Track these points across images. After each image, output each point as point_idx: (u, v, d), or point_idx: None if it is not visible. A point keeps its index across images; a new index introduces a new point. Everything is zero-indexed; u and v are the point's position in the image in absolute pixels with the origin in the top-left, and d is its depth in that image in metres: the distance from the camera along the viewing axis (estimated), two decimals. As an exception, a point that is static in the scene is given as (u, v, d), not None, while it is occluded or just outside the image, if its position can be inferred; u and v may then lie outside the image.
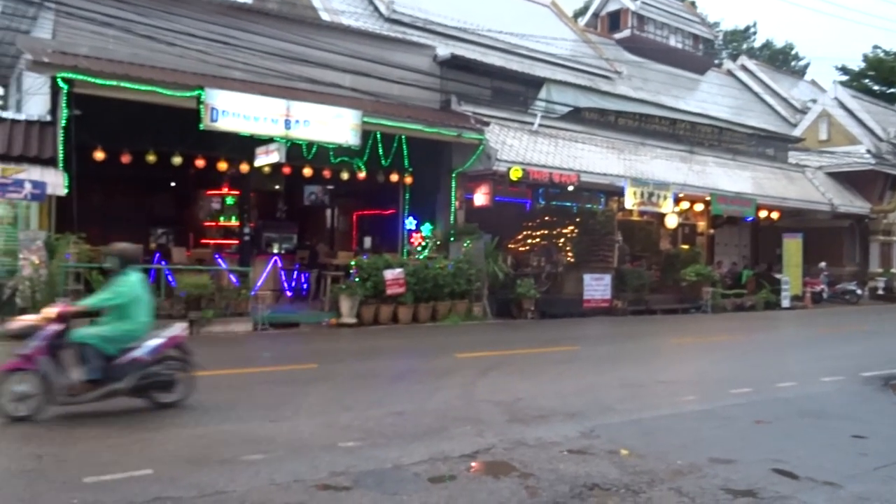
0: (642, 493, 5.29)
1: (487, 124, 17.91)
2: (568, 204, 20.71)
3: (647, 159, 21.86)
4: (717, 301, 21.67)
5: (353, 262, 15.92)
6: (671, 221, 21.79)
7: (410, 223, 18.14)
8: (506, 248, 19.57)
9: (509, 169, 17.27)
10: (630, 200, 19.50)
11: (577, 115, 21.12)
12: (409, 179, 17.85)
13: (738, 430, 7.39)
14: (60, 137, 13.24)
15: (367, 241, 19.67)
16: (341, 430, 6.75)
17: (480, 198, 18.34)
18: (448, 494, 5.15)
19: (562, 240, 21.34)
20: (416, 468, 5.69)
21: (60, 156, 13.25)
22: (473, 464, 5.90)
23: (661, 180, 20.45)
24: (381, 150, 17.02)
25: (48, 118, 14.01)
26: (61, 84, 12.69)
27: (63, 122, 13.13)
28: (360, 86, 16.53)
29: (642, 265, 21.82)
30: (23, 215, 13.82)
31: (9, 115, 14.75)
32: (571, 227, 21.26)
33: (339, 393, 8.72)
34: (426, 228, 17.98)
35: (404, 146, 17.36)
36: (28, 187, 12.38)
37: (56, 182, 12.80)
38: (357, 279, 15.23)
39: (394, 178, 17.59)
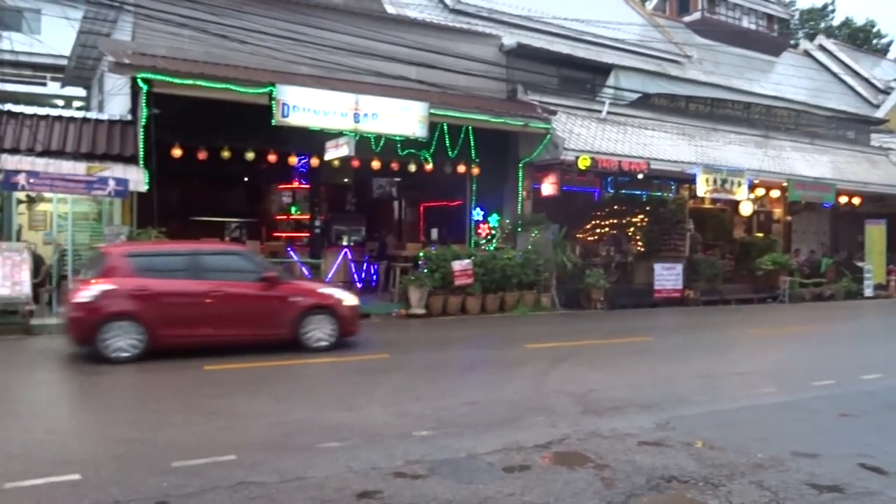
0: (722, 487, 5.18)
1: (554, 113, 17.73)
2: (637, 192, 20.33)
3: (720, 145, 21.26)
4: (795, 290, 20.95)
5: (421, 254, 16.05)
6: (746, 209, 21.16)
7: (478, 214, 18.14)
8: (574, 237, 19.36)
9: (577, 158, 17.08)
10: (702, 188, 19.02)
11: (646, 102, 20.69)
12: (475, 170, 17.85)
13: (822, 424, 7.15)
14: (141, 136, 13.74)
15: (434, 233, 19.77)
16: (415, 420, 6.83)
17: (548, 187, 18.19)
18: (523, 484, 5.15)
19: (631, 229, 20.99)
20: (490, 458, 5.72)
21: (141, 153, 13.76)
22: (547, 454, 5.89)
23: (735, 166, 19.87)
24: (447, 142, 17.07)
25: (129, 117, 14.56)
26: (141, 84, 13.17)
27: (143, 121, 13.63)
28: (427, 78, 16.59)
29: (715, 254, 21.26)
30: (106, 211, 14.42)
31: (92, 115, 15.41)
32: (641, 216, 20.89)
33: (411, 383, 8.82)
34: (493, 219, 17.96)
35: (471, 137, 17.36)
36: (112, 184, 12.91)
37: (137, 179, 13.31)
38: (425, 270, 15.34)
39: (461, 169, 17.62)
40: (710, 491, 5.11)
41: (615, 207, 21.05)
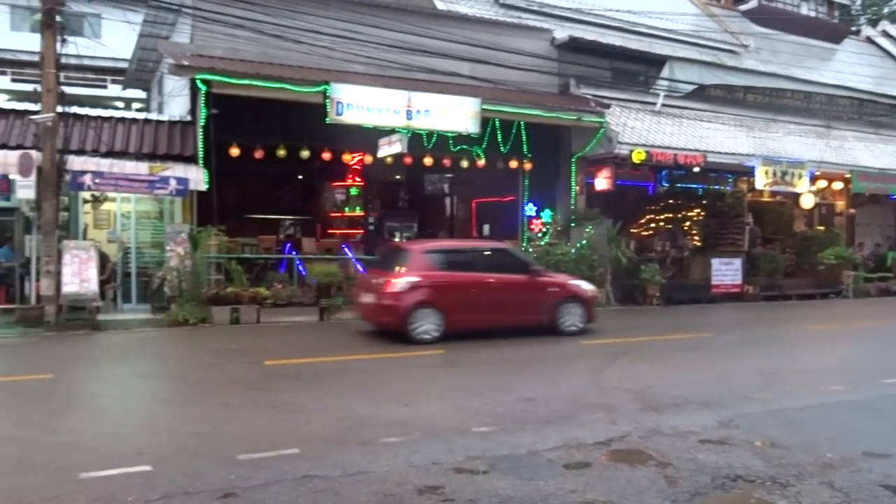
0: (790, 487, 5.06)
1: (608, 106, 17.52)
2: (693, 186, 19.97)
3: (780, 136, 20.71)
4: (860, 285, 20.29)
5: (474, 249, 16.02)
6: (807, 201, 20.56)
7: (530, 209, 18.04)
8: (628, 232, 19.13)
9: (631, 151, 16.85)
10: (761, 180, 18.56)
11: (701, 93, 20.27)
12: (528, 165, 17.77)
13: (894, 423, 6.91)
14: (200, 136, 14.07)
15: (486, 229, 19.75)
16: (473, 415, 6.84)
17: (602, 182, 17.99)
18: (584, 481, 5.11)
19: (687, 223, 20.61)
20: (551, 454, 5.69)
21: (200, 153, 14.08)
22: (608, 451, 5.83)
23: (796, 158, 19.33)
24: (499, 137, 17.03)
25: (188, 118, 14.91)
26: (200, 85, 13.48)
27: (202, 121, 13.95)
28: (479, 73, 16.56)
29: (775, 248, 20.72)
30: (167, 210, 14.81)
31: (153, 116, 15.84)
32: (697, 210, 20.50)
33: (468, 378, 8.84)
34: (546, 214, 17.84)
35: (523, 132, 17.28)
36: (173, 183, 13.26)
37: (197, 178, 13.63)
38: (479, 266, 15.31)
39: (513, 164, 17.57)
40: (779, 491, 4.99)
41: (670, 201, 20.70)
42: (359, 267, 15.62)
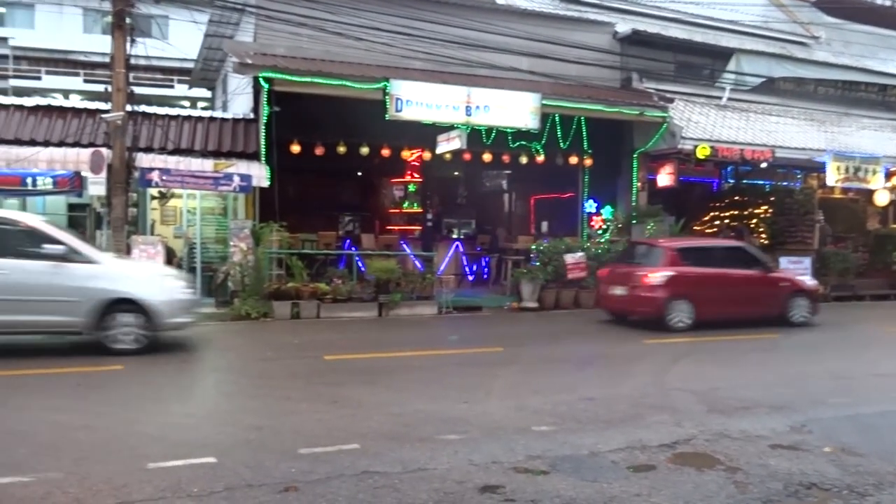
0: (869, 497, 4.82)
1: (671, 101, 17.13)
2: (760, 182, 19.37)
3: (852, 130, 19.89)
4: (939, 286, 19.34)
5: (533, 247, 15.91)
6: (882, 198, 19.68)
7: (590, 206, 17.79)
8: (692, 230, 18.64)
9: (696, 147, 16.42)
10: (832, 176, 17.86)
11: (769, 86, 19.61)
12: (588, 161, 17.52)
13: (980, 432, 6.54)
14: (262, 133, 14.30)
15: (545, 225, 19.56)
16: (533, 414, 6.75)
17: (664, 178, 17.60)
18: (650, 485, 4.97)
19: (754, 221, 19.95)
20: (614, 456, 5.56)
21: (262, 150, 14.31)
22: (673, 454, 5.66)
23: (870, 153, 18.53)
24: (559, 133, 16.83)
25: (251, 116, 15.17)
26: (263, 83, 13.70)
27: (264, 119, 14.17)
28: (539, 68, 16.38)
29: (847, 247, 19.90)
30: (231, 206, 15.11)
31: (218, 114, 16.18)
32: (765, 207, 19.81)
33: (527, 376, 8.74)
34: (607, 211, 17.56)
35: (583, 127, 17.03)
36: (236, 180, 13.52)
37: (260, 174, 13.86)
38: (538, 263, 15.19)
39: (573, 160, 17.35)
40: (856, 500, 4.76)
41: (736, 198, 20.07)
42: (417, 263, 15.65)
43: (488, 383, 8.16)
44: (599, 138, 17.21)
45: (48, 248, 9.15)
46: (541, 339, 11.85)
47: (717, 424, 6.45)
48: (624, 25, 18.37)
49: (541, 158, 16.99)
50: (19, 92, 28.16)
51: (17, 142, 13.38)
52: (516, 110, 14.84)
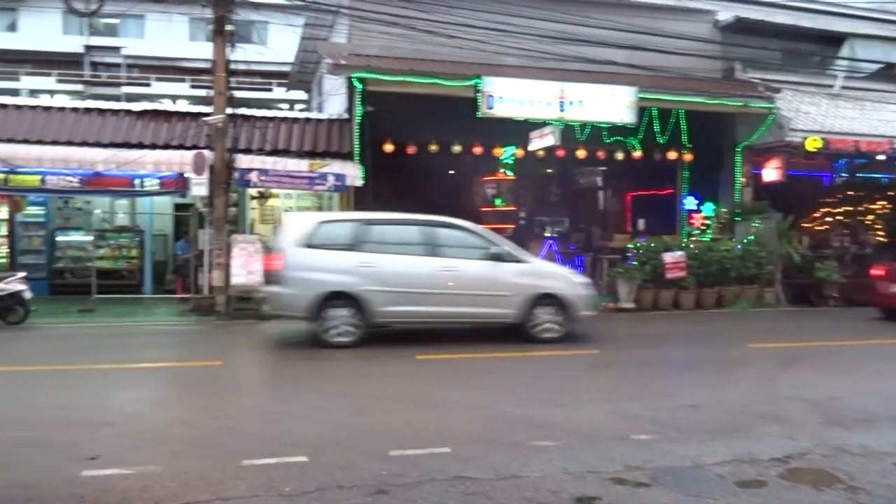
0: None
1: (778, 91, 16.24)
2: (877, 176, 18.07)
3: (982, 119, 18.27)
4: None
5: (630, 245, 15.41)
6: None
7: (690, 203, 17.09)
8: (801, 227, 17.63)
9: (805, 139, 15.50)
10: (959, 168, 16.49)
11: (888, 73, 18.31)
12: (688, 156, 16.85)
13: None
14: (356, 133, 14.45)
15: (641, 223, 18.93)
16: (631, 421, 6.44)
17: (770, 173, 16.69)
18: (760, 502, 4.62)
19: (870, 217, 18.72)
20: (720, 469, 5.21)
21: (356, 149, 14.46)
22: (786, 469, 5.25)
23: None
24: (657, 127, 16.26)
25: (345, 116, 15.37)
26: (356, 83, 13.84)
27: (358, 119, 14.31)
28: (636, 60, 15.84)
29: (974, 244, 18.36)
30: (326, 205, 15.36)
31: (313, 115, 16.49)
32: (882, 202, 18.56)
33: (624, 380, 8.41)
34: (708, 208, 16.82)
35: (683, 121, 16.39)
36: (331, 180, 13.72)
37: (354, 174, 14.03)
38: (635, 262, 14.70)
39: (671, 155, 16.73)
40: None
41: (849, 193, 18.88)
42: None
43: (584, 387, 7.90)
44: (700, 132, 16.51)
45: (489, 249, 10.34)
46: (638, 341, 11.40)
47: (835, 438, 5.97)
48: (726, 13, 17.55)
49: (637, 154, 16.46)
50: (131, 98, 29.72)
51: (127, 145, 14.03)
52: (612, 105, 14.43)
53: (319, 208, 15.68)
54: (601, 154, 16.66)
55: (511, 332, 10.47)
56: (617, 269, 14.80)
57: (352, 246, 9.99)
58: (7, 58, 39.18)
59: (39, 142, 13.70)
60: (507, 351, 10.00)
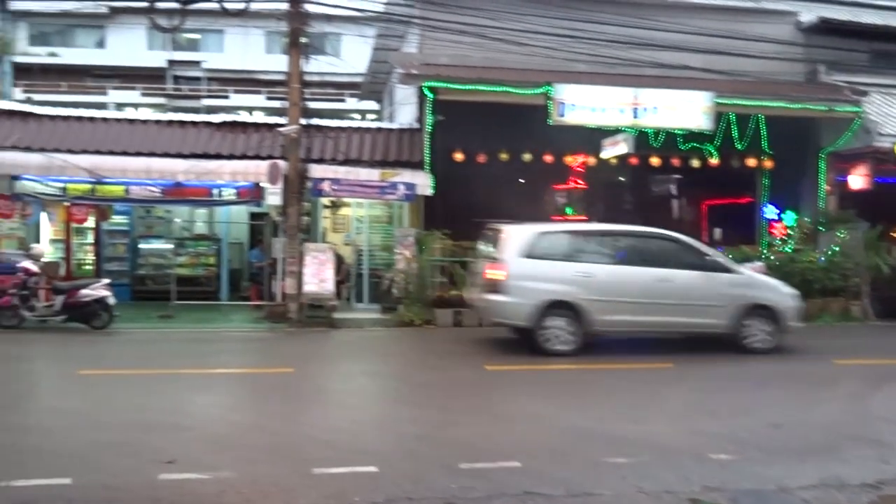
0: None
1: (865, 94, 15.49)
2: (976, 182, 17.01)
3: None
4: None
5: (706, 255, 14.92)
6: None
7: (770, 212, 16.46)
8: (889, 237, 16.73)
9: (894, 144, 14.75)
10: None
11: None
12: (768, 163, 16.25)
13: None
14: (426, 142, 14.50)
15: (718, 233, 18.34)
16: (709, 439, 6.20)
17: (857, 180, 15.91)
18: (851, 531, 4.36)
19: (966, 226, 17.61)
20: (805, 493, 4.95)
21: (427, 159, 14.52)
22: (879, 496, 4.96)
23: None
24: (735, 133, 15.74)
25: (416, 125, 15.45)
26: (427, 93, 13.90)
27: (428, 128, 14.37)
28: (713, 65, 15.38)
29: None
30: (397, 214, 15.46)
31: (384, 125, 16.65)
32: (981, 211, 17.43)
33: (700, 396, 8.12)
34: (789, 217, 16.15)
35: (762, 127, 15.82)
36: (401, 189, 13.81)
37: (424, 183, 14.08)
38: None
39: (750, 162, 16.17)
40: None
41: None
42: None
43: (658, 402, 7.66)
44: (781, 138, 15.90)
45: (702, 259, 10.55)
46: (716, 356, 10.99)
47: (933, 463, 5.60)
48: (808, 14, 16.87)
49: (714, 161, 15.98)
50: (210, 110, 30.74)
51: (206, 156, 14.44)
52: (687, 111, 14.07)
53: (390, 217, 15.79)
54: (676, 161, 16.25)
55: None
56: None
57: (570, 256, 10.24)
58: (96, 73, 41.25)
59: (124, 153, 14.23)
60: (576, 363, 9.80)
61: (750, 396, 8.12)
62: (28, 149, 13.89)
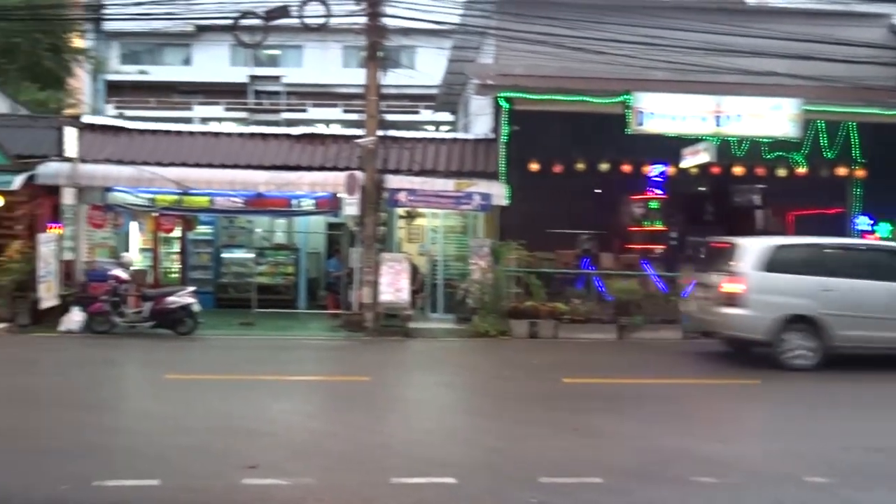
0: None
1: (965, 98, 14.61)
2: None
3: None
4: None
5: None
6: None
7: (863, 223, 15.68)
8: None
9: None
10: None
11: None
12: (860, 172, 15.50)
13: None
14: (502, 152, 14.45)
15: (806, 244, 17.59)
16: (802, 461, 5.90)
17: (958, 189, 15.02)
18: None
19: None
20: (912, 522, 4.64)
21: (502, 169, 14.46)
22: None
23: None
24: (824, 141, 15.09)
25: (491, 135, 15.41)
26: (502, 103, 13.86)
27: (504, 138, 14.32)
28: (799, 70, 14.79)
29: None
30: (472, 224, 15.44)
31: (459, 136, 16.69)
32: None
33: (791, 415, 7.76)
34: (884, 228, 15.35)
35: (853, 134, 15.13)
36: (476, 199, 13.79)
37: (499, 193, 14.02)
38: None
39: (840, 171, 15.46)
40: None
41: None
42: (660, 284, 14.82)
43: (745, 420, 7.37)
44: (875, 145, 15.16)
45: None
46: (809, 374, 10.52)
47: None
48: (904, 16, 16.08)
49: (802, 170, 15.35)
50: (290, 123, 31.55)
51: (286, 167, 14.78)
52: (773, 118, 13.58)
53: (465, 228, 15.78)
54: (760, 170, 15.68)
55: (657, 359, 9.99)
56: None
57: (808, 270, 10.13)
58: (182, 89, 43.02)
59: (209, 165, 14.71)
60: (661, 377, 9.54)
61: (845, 418, 7.69)
62: (120, 162, 14.51)
